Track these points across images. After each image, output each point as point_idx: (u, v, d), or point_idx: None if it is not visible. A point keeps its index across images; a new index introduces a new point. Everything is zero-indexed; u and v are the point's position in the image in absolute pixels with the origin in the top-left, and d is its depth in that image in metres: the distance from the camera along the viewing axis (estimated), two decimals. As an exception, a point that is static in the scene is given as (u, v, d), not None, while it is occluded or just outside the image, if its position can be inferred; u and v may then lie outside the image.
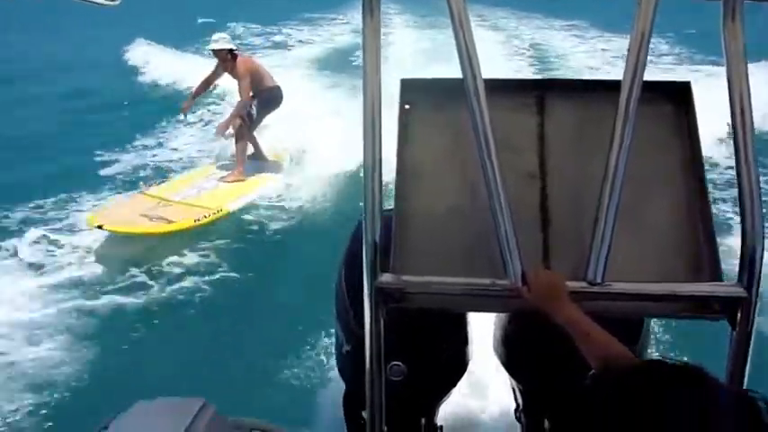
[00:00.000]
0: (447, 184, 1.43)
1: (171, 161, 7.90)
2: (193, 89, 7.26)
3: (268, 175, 6.86)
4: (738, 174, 1.21)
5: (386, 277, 1.31)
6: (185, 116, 7.60)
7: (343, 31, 20.70)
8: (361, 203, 1.32)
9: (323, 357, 3.92)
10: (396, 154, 1.44)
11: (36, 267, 5.36)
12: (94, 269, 5.36)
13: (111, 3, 1.34)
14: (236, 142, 6.74)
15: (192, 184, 6.64)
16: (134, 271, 5.29)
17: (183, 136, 8.68)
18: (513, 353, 1.87)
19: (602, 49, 15.43)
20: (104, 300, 4.93)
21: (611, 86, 1.29)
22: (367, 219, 1.28)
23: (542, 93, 1.49)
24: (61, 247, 5.68)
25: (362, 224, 1.29)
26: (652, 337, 2.51)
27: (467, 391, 2.61)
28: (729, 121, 1.22)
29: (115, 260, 5.46)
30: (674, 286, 1.27)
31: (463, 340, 1.85)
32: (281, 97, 6.96)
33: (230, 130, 6.75)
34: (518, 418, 2.01)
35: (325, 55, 15.91)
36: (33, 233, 5.79)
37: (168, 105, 9.34)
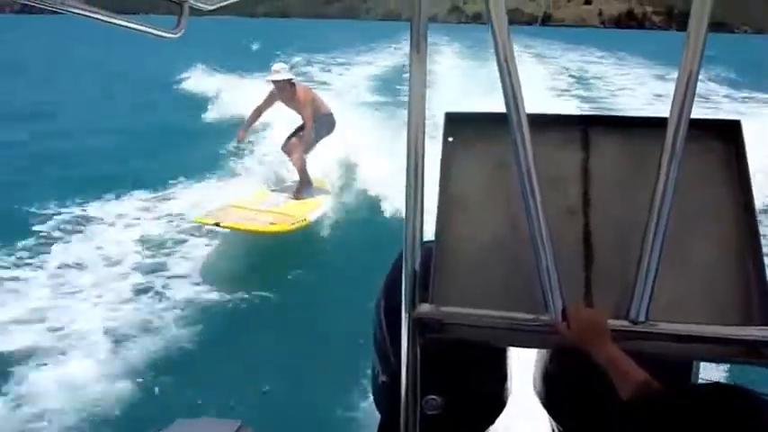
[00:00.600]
0: (489, 216, 1.43)
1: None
2: (247, 118, 7.60)
3: (323, 196, 7.45)
4: None
5: (424, 308, 1.31)
6: (239, 143, 8.11)
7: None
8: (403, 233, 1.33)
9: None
10: (438, 185, 1.46)
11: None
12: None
13: (172, 35, 1.42)
14: (301, 166, 7.31)
15: (261, 201, 7.16)
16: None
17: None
18: (553, 391, 1.83)
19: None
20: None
21: (658, 123, 1.28)
22: (407, 248, 1.30)
23: (587, 128, 1.49)
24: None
25: (403, 255, 1.31)
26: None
27: (504, 428, 2.56)
28: None
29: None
30: (722, 329, 1.23)
31: (503, 377, 1.82)
32: (335, 124, 7.44)
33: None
34: None
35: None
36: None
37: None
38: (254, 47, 32.76)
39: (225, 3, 1.53)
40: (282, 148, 7.57)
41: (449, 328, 1.35)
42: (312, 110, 7.13)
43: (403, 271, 1.31)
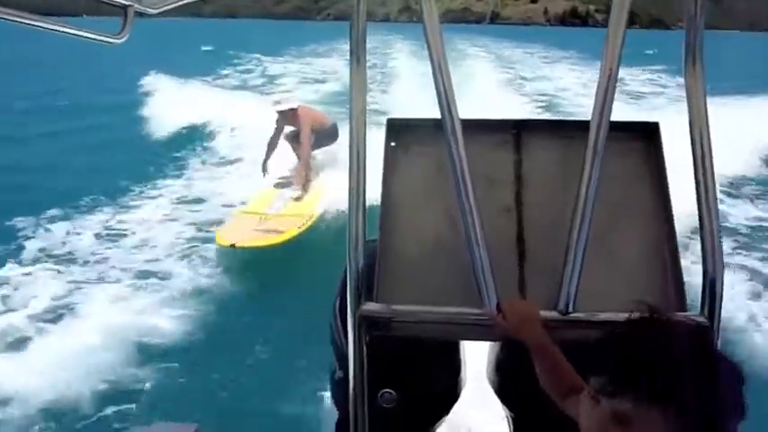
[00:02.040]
0: (429, 216, 1.50)
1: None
2: (265, 156, 8.34)
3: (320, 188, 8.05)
4: (700, 209, 1.28)
5: (369, 305, 1.36)
6: (265, 171, 8.47)
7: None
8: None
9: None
10: (381, 188, 1.52)
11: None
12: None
13: (116, 40, 1.40)
14: (302, 168, 8.19)
15: (270, 202, 7.75)
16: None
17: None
18: (504, 380, 1.91)
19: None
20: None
21: (585, 126, 1.36)
22: (350, 248, 1.35)
23: (520, 131, 1.57)
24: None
25: (347, 256, 1.36)
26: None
27: (460, 418, 2.63)
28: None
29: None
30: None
31: (456, 368, 1.88)
32: (337, 133, 8.42)
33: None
34: None
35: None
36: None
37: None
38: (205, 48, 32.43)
39: (170, 6, 1.52)
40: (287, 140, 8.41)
41: (393, 324, 1.40)
42: (309, 129, 8.07)
43: (348, 270, 1.35)
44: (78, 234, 7.43)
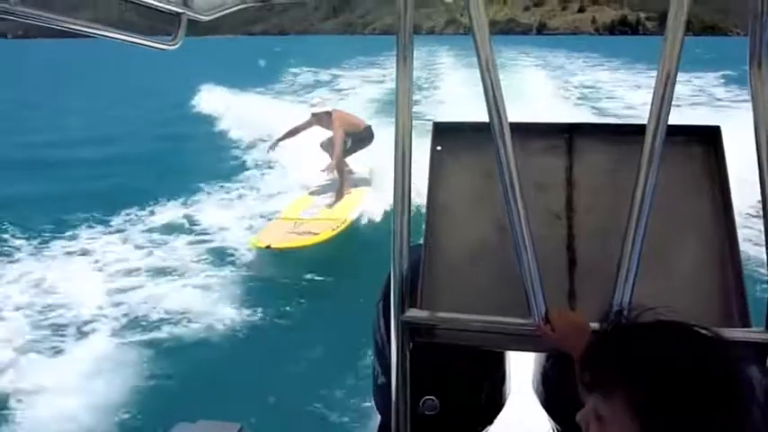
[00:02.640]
0: (475, 222, 1.47)
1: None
2: (285, 133, 8.83)
3: (358, 194, 8.54)
4: (765, 215, 1.21)
5: (413, 312, 1.35)
6: (271, 149, 9.13)
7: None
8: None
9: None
10: (426, 193, 1.51)
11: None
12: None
13: (169, 46, 1.45)
14: (340, 173, 8.60)
15: (304, 209, 8.22)
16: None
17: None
18: (551, 393, 1.86)
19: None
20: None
21: (640, 130, 1.31)
22: (395, 254, 1.34)
23: (572, 135, 1.53)
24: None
25: (391, 262, 1.35)
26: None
27: (503, 429, 2.57)
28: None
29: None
30: None
31: (501, 377, 1.85)
32: (372, 136, 8.72)
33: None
34: None
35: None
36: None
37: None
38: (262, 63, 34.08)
39: (221, 12, 1.57)
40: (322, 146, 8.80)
41: (436, 331, 1.38)
42: (344, 130, 8.37)
43: (391, 276, 1.34)
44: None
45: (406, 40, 1.33)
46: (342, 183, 8.61)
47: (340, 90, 22.93)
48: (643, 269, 1.24)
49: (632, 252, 1.23)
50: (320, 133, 8.75)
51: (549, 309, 1.28)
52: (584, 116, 15.21)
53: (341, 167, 8.61)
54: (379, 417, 1.91)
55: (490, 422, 1.87)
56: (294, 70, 29.99)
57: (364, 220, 7.81)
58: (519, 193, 1.28)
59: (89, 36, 1.26)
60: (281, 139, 8.85)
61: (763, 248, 1.24)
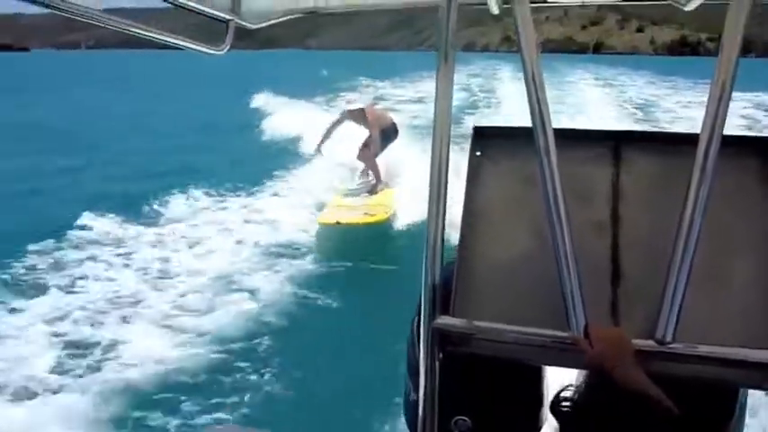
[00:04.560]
0: (514, 231, 1.42)
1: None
2: (323, 134, 9.36)
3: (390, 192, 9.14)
4: None
5: (444, 319, 1.30)
6: (318, 152, 9.68)
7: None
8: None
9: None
10: (464, 198, 1.46)
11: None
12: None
13: (218, 51, 1.48)
14: (375, 168, 9.28)
15: (346, 201, 8.89)
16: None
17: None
18: (584, 416, 1.77)
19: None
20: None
21: (692, 139, 1.24)
22: (428, 259, 1.29)
23: (618, 143, 1.46)
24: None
25: (423, 267, 1.30)
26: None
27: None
28: None
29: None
30: (754, 353, 1.16)
31: (537, 401, 1.77)
32: (397, 131, 9.43)
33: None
34: None
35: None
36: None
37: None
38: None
39: (270, 22, 1.59)
40: (358, 157, 9.40)
41: (468, 341, 1.33)
42: (379, 127, 8.98)
43: (422, 283, 1.30)
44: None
45: (448, 34, 1.29)
46: (377, 178, 9.18)
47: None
48: (690, 284, 1.16)
49: (681, 268, 1.15)
50: (355, 130, 9.32)
51: (589, 323, 1.20)
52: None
53: (374, 164, 9.18)
54: None
55: None
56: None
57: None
58: (562, 201, 1.21)
59: (141, 35, 1.30)
60: (322, 142, 9.34)
61: None
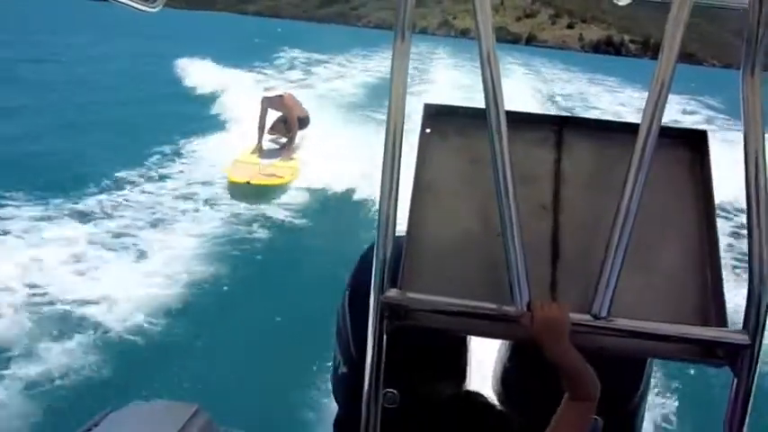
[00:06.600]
0: (461, 208, 1.45)
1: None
2: (258, 133, 10.39)
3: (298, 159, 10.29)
4: (749, 221, 1.21)
5: (392, 292, 1.32)
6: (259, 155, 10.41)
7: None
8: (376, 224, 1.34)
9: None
10: (413, 175, 1.47)
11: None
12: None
13: (150, 9, 1.40)
14: (289, 142, 10.45)
15: (255, 159, 9.85)
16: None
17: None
18: (510, 391, 1.85)
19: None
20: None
21: (630, 128, 1.31)
22: (380, 235, 1.30)
23: (561, 128, 1.52)
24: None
25: (375, 242, 1.31)
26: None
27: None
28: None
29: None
30: (680, 328, 1.26)
31: (460, 376, 1.83)
32: (309, 121, 10.82)
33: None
34: None
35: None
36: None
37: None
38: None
39: None
40: (272, 127, 10.56)
41: (415, 314, 1.35)
42: (295, 113, 10.27)
43: (374, 256, 1.31)
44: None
45: (406, 14, 1.29)
46: (291, 145, 10.32)
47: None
48: (625, 266, 1.24)
49: (617, 248, 1.23)
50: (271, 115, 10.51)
51: (532, 299, 1.26)
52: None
53: (293, 136, 10.44)
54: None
55: (449, 417, 1.85)
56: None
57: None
58: (510, 180, 1.26)
59: None
60: (260, 139, 10.35)
61: None
